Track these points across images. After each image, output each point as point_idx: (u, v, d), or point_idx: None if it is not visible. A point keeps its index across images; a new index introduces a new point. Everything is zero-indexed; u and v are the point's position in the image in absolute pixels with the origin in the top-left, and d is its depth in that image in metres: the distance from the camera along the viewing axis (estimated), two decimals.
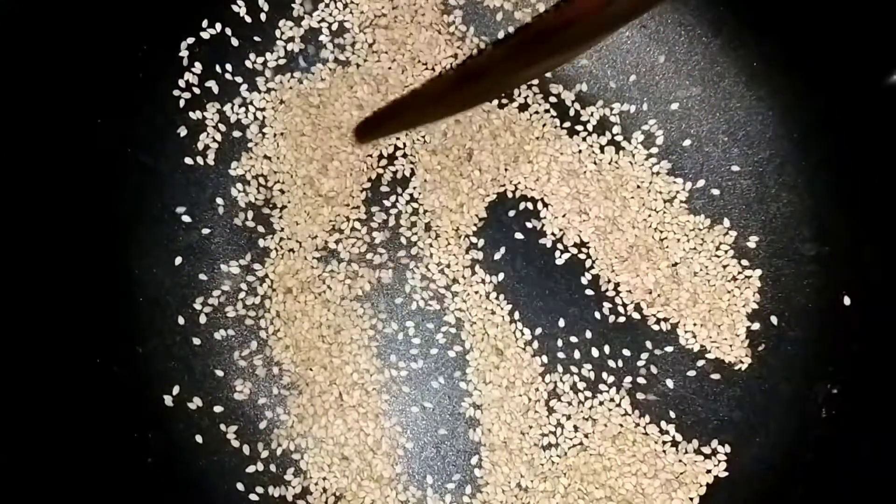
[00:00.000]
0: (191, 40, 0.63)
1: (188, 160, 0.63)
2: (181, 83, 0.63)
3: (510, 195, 0.64)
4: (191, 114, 0.64)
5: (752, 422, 0.62)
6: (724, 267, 0.64)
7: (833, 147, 0.62)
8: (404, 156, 0.64)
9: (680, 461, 0.61)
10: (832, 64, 0.60)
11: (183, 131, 0.63)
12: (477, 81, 0.57)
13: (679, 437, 0.62)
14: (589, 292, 0.64)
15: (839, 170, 0.62)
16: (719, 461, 0.61)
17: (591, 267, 0.64)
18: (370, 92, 0.64)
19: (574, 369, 0.63)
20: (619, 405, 0.62)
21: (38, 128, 0.57)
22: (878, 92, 0.59)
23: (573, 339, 0.63)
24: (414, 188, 0.64)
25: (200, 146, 0.63)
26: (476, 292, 0.63)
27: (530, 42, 0.56)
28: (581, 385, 0.62)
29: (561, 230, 0.64)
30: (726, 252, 0.64)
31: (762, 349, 0.63)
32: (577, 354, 0.63)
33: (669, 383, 0.62)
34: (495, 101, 0.65)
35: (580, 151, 0.65)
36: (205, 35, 0.64)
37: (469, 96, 0.58)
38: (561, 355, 0.63)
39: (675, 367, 0.63)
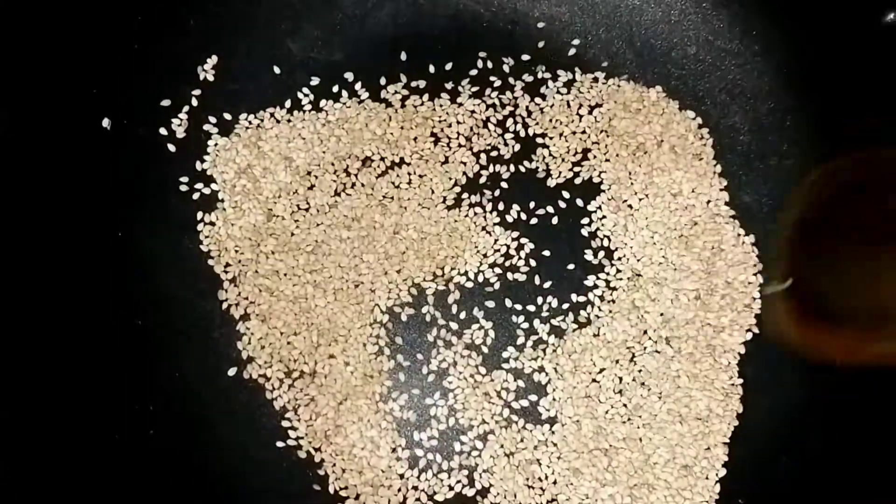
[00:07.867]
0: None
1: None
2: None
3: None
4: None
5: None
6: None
7: (832, 94, 0.61)
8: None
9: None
10: (826, 10, 0.59)
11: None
12: None
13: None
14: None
15: (839, 117, 0.61)
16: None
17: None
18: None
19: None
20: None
21: (35, 162, 0.59)
22: (874, 33, 0.58)
23: None
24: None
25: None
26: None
27: None
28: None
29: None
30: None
31: None
32: None
33: None
34: None
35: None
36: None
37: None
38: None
39: None
